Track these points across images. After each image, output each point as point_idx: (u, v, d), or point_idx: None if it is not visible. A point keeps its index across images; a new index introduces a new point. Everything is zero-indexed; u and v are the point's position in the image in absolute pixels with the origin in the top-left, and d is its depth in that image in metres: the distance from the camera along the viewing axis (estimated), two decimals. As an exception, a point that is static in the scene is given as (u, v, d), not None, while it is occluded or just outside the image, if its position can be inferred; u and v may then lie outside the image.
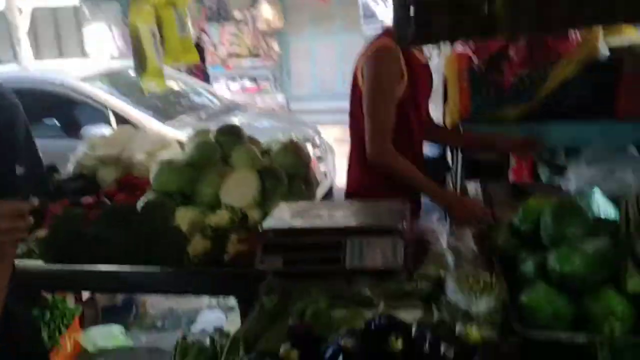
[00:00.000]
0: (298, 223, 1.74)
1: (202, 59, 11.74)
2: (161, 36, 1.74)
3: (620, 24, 1.27)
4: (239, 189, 2.13)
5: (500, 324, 1.40)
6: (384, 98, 2.14)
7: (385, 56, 2.12)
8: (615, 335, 1.25)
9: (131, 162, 2.53)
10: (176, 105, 6.00)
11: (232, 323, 4.24)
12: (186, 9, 1.35)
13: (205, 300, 4.37)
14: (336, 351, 1.14)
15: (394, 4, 1.26)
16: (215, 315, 4.51)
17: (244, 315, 1.68)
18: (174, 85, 6.56)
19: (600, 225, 1.54)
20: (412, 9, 1.21)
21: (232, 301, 4.30)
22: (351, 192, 2.36)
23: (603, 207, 1.79)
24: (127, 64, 6.77)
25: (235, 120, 5.50)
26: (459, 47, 2.65)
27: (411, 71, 2.15)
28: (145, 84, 1.25)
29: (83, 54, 11.51)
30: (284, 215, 1.82)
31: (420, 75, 2.21)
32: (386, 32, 2.19)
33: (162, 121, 5.12)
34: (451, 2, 1.19)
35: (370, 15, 9.50)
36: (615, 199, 1.89)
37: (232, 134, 2.42)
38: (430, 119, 2.46)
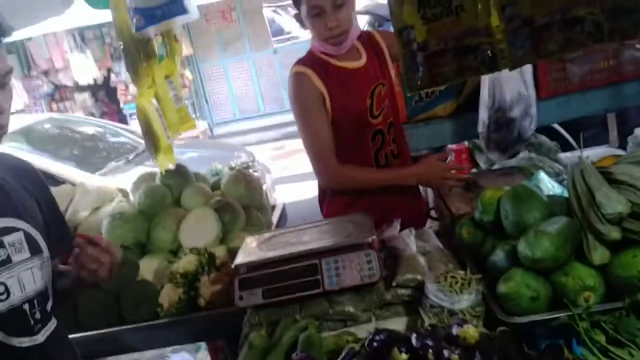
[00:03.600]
0: (269, 254, 1.75)
1: (115, 99, 11.49)
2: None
3: (605, 46, 1.41)
4: (199, 229, 2.11)
5: (485, 316, 1.47)
6: (311, 124, 2.17)
7: (296, 84, 2.16)
8: (591, 306, 1.34)
9: (77, 221, 2.45)
10: (97, 151, 5.87)
11: (203, 362, 4.17)
12: (178, 79, 1.34)
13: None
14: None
15: (403, 53, 1.31)
16: (181, 358, 4.41)
17: (232, 356, 1.66)
18: (88, 129, 6.41)
19: (553, 204, 1.64)
20: (419, 56, 1.27)
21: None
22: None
23: (550, 186, 1.91)
24: (37, 118, 6.55)
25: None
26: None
27: (340, 83, 2.17)
28: (160, 163, 1.23)
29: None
30: (252, 248, 1.83)
31: (356, 79, 2.21)
32: (306, 56, 2.22)
33: (90, 172, 4.97)
34: (457, 48, 1.26)
35: (278, 30, 9.60)
36: (557, 176, 2.02)
37: (177, 174, 2.40)
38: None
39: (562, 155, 2.87)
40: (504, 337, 1.27)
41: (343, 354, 1.27)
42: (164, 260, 2.09)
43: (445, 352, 1.11)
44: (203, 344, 3.94)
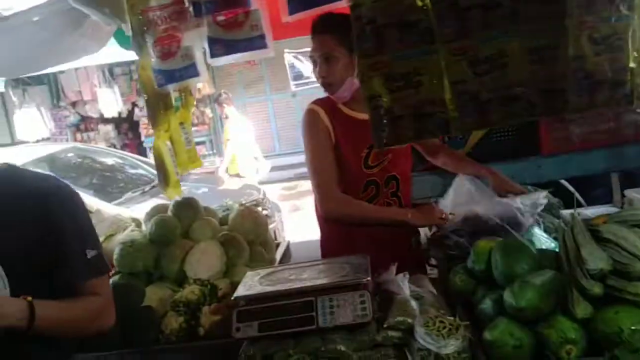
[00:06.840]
0: (268, 288, 1.82)
1: (137, 132, 11.78)
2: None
3: (538, 119, 1.66)
4: (204, 261, 2.19)
5: (470, 362, 1.53)
6: (317, 154, 2.35)
7: (308, 119, 2.39)
8: (572, 359, 1.39)
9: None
10: (115, 181, 6.03)
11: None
12: (191, 125, 1.60)
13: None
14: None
15: (372, 116, 1.47)
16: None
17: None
18: (108, 160, 6.59)
19: (543, 258, 1.71)
20: (385, 119, 1.45)
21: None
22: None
23: (543, 240, 1.98)
24: (62, 147, 6.77)
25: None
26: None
27: (343, 128, 2.36)
28: (169, 194, 1.45)
29: (13, 140, 11.32)
30: (253, 282, 1.90)
31: (357, 129, 2.33)
32: (323, 98, 2.42)
33: (107, 201, 5.11)
34: (415, 113, 1.44)
35: (298, 75, 9.85)
36: (551, 232, 2.09)
37: (189, 207, 2.49)
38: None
39: (565, 212, 2.92)
40: (484, 381, 1.32)
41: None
42: (169, 290, 2.16)
43: (424, 391, 1.17)
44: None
